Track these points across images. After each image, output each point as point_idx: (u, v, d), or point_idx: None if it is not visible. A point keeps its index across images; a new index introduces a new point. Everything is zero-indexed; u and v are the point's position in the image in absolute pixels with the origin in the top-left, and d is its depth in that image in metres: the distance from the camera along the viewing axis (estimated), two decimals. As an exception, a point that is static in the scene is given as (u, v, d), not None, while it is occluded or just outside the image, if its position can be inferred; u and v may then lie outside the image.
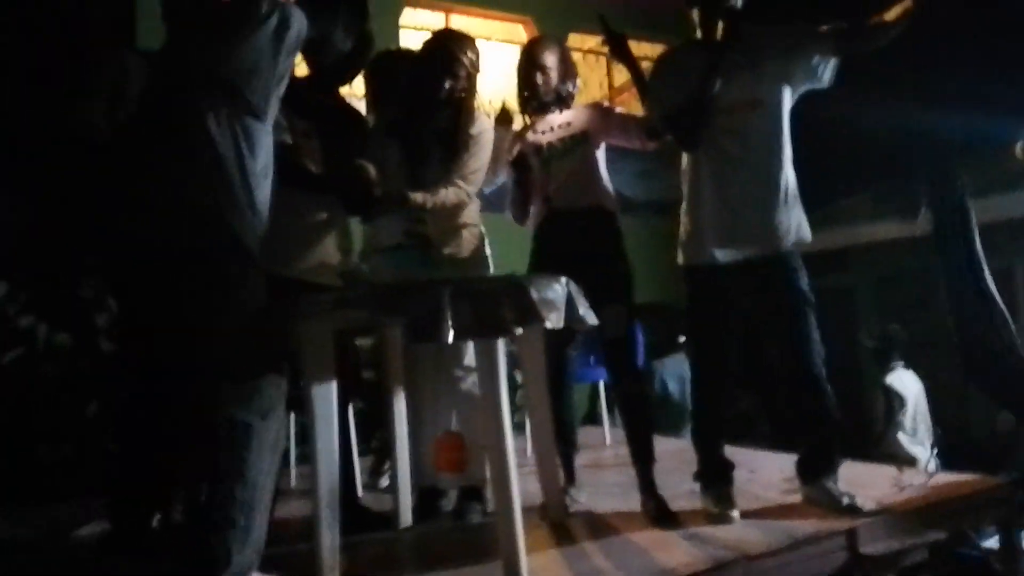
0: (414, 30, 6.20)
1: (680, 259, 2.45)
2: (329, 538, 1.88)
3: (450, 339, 1.69)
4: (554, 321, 1.88)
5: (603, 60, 7.94)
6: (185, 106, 1.55)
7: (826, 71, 2.31)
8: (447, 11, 6.77)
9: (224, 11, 1.67)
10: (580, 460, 2.96)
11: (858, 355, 5.40)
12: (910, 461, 3.89)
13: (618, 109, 2.94)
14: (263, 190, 1.62)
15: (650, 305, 5.51)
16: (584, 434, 3.98)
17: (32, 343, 3.88)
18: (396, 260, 2.09)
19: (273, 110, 1.63)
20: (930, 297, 5.59)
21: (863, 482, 2.46)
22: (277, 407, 1.53)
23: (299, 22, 1.65)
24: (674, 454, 3.00)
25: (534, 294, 1.82)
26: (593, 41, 7.86)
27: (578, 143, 2.50)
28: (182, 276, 1.53)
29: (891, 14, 2.16)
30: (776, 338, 2.38)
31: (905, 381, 4.58)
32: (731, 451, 2.78)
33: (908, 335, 4.79)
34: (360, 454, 2.65)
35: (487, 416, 1.86)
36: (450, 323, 1.69)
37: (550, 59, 2.51)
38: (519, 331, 1.80)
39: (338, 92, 2.50)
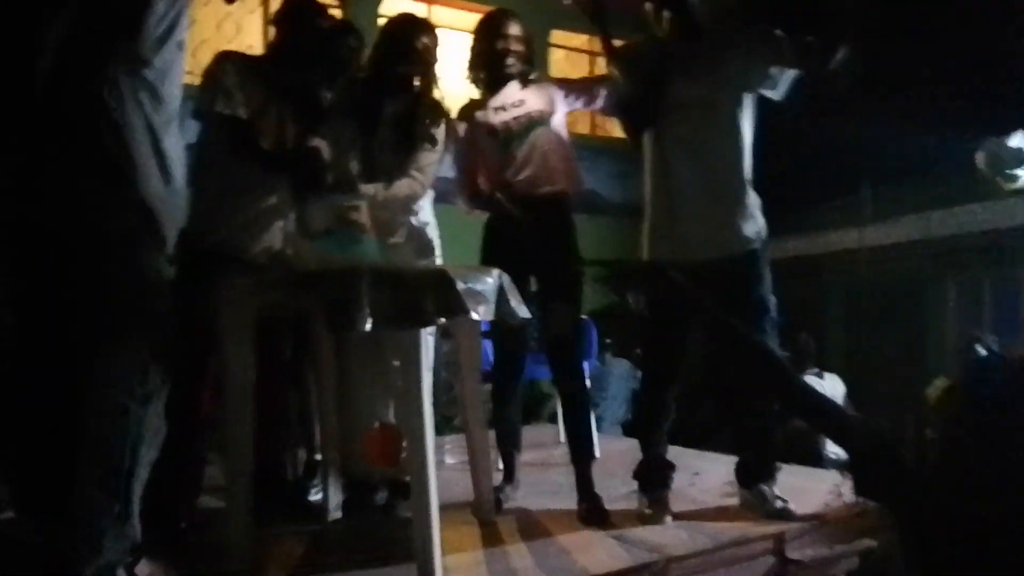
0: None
1: (643, 255, 2.42)
2: (239, 527, 1.83)
3: (367, 328, 1.64)
4: (482, 314, 1.84)
5: (586, 58, 7.91)
6: (67, 66, 1.47)
7: (781, 82, 2.28)
8: (429, 2, 6.72)
9: None
10: (528, 458, 2.92)
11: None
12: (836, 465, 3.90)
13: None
14: (172, 145, 1.55)
15: (613, 307, 5.50)
16: (538, 432, 3.97)
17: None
18: (324, 246, 2.04)
19: (170, 56, 1.55)
20: (898, 309, 5.61)
21: (803, 488, 2.43)
22: (160, 391, 1.47)
23: None
24: (622, 454, 2.97)
25: (460, 285, 1.77)
26: (578, 39, 7.85)
27: (536, 123, 2.42)
28: (77, 245, 1.45)
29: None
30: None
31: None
32: (679, 452, 2.77)
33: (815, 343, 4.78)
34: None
35: (407, 409, 1.82)
36: (368, 311, 1.64)
37: (515, 29, 2.44)
38: (441, 322, 1.76)
39: (293, 72, 2.44)
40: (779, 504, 2.20)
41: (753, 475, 2.30)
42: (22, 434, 1.81)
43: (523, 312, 2.03)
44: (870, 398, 4.79)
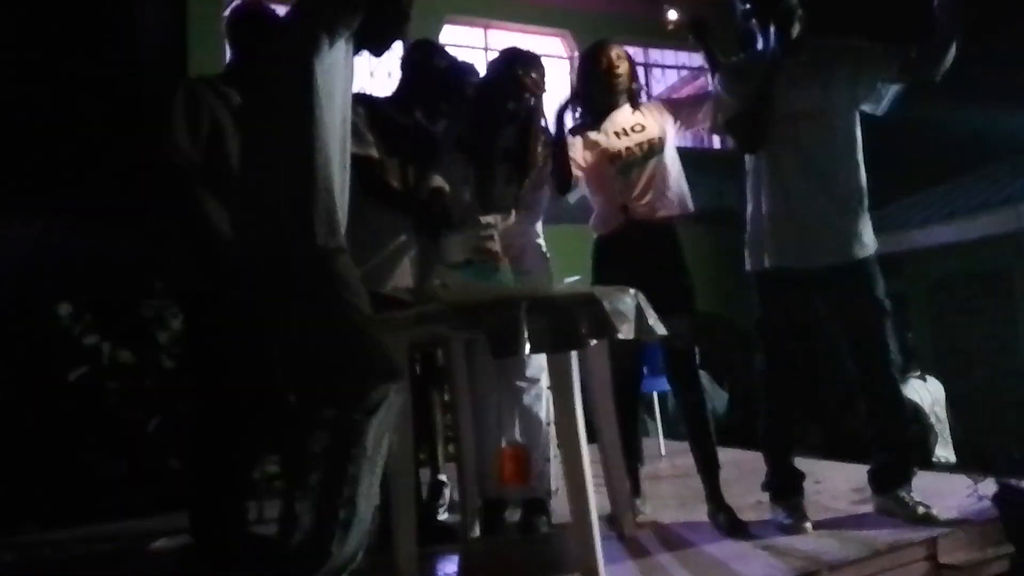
0: (454, 46, 6.30)
1: (747, 265, 2.44)
2: (407, 548, 1.91)
3: (527, 352, 1.71)
4: (625, 332, 1.89)
5: (640, 69, 7.98)
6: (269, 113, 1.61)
7: (886, 98, 2.32)
8: (486, 27, 6.87)
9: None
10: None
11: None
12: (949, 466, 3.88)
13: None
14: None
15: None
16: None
17: (96, 361, 4.00)
18: (467, 275, 2.13)
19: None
20: (982, 305, 5.47)
21: (937, 492, 2.41)
22: (381, 403, 1.56)
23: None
24: (730, 464, 2.98)
25: (607, 306, 1.84)
26: (630, 51, 7.93)
27: (657, 150, 2.47)
28: (293, 278, 1.58)
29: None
30: (853, 348, 2.35)
31: (919, 391, 4.53)
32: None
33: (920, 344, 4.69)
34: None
35: (562, 428, 1.88)
36: (527, 337, 1.71)
37: (616, 51, 2.51)
38: (593, 343, 1.82)
39: (414, 113, 2.56)
40: (922, 509, 2.19)
41: (890, 480, 2.29)
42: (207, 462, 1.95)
43: (660, 329, 2.07)
44: (964, 398, 4.70)
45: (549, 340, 1.76)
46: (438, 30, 6.28)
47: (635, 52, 7.76)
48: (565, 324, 1.77)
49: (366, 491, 1.51)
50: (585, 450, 1.85)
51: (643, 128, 2.48)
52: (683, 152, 2.65)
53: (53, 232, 4.17)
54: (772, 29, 2.30)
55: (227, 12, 2.40)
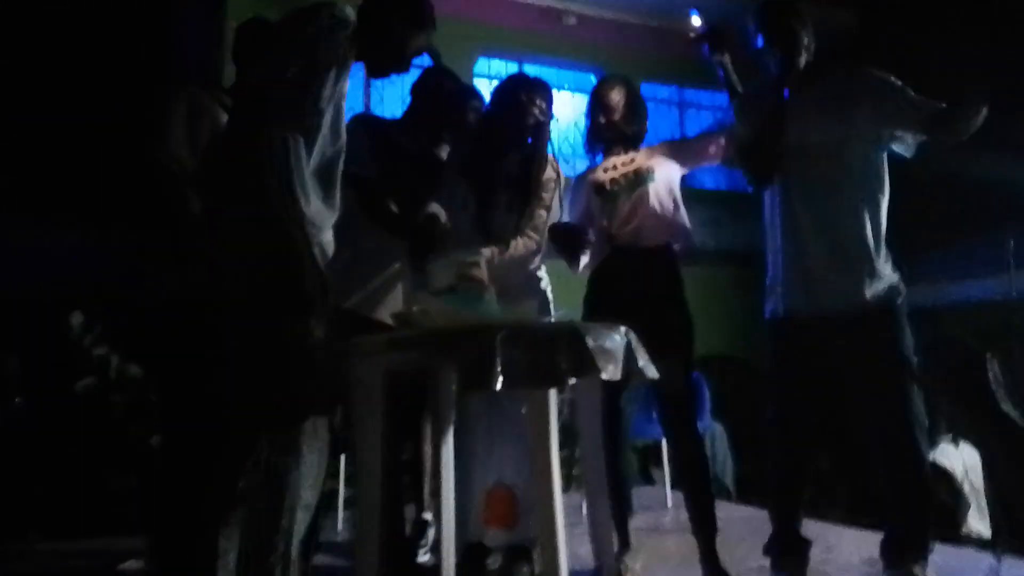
0: (487, 79, 6.32)
1: (766, 311, 2.30)
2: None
3: (499, 386, 1.60)
4: (611, 372, 1.77)
5: (675, 109, 7.90)
6: (248, 134, 1.55)
7: (913, 144, 2.18)
8: (520, 60, 6.89)
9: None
10: (638, 523, 2.78)
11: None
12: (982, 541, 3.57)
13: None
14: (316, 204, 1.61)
15: (713, 358, 5.23)
16: (642, 494, 3.81)
17: (104, 373, 4.00)
18: (449, 303, 2.04)
19: (327, 128, 1.62)
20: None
21: (959, 569, 2.21)
22: (316, 451, 1.48)
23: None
24: (741, 522, 2.80)
25: (591, 342, 1.72)
26: (665, 91, 7.87)
27: (643, 179, 2.41)
28: (239, 313, 1.51)
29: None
30: (873, 405, 2.15)
31: (951, 456, 4.23)
32: (805, 524, 2.57)
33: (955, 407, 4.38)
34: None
35: (537, 470, 1.75)
36: (500, 370, 1.60)
37: (615, 98, 2.46)
38: (572, 381, 1.70)
39: (418, 137, 2.52)
40: (936, 589, 2.00)
41: (905, 554, 2.08)
42: (168, 490, 1.87)
43: (652, 372, 1.94)
44: (1003, 467, 4.39)
45: (524, 374, 1.64)
46: (472, 62, 6.31)
47: (670, 92, 7.72)
48: (542, 358, 1.66)
49: (298, 541, 1.42)
50: (559, 494, 1.72)
51: (632, 160, 2.44)
52: (712, 193, 2.57)
53: (69, 242, 4.23)
54: (778, 56, 2.21)
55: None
